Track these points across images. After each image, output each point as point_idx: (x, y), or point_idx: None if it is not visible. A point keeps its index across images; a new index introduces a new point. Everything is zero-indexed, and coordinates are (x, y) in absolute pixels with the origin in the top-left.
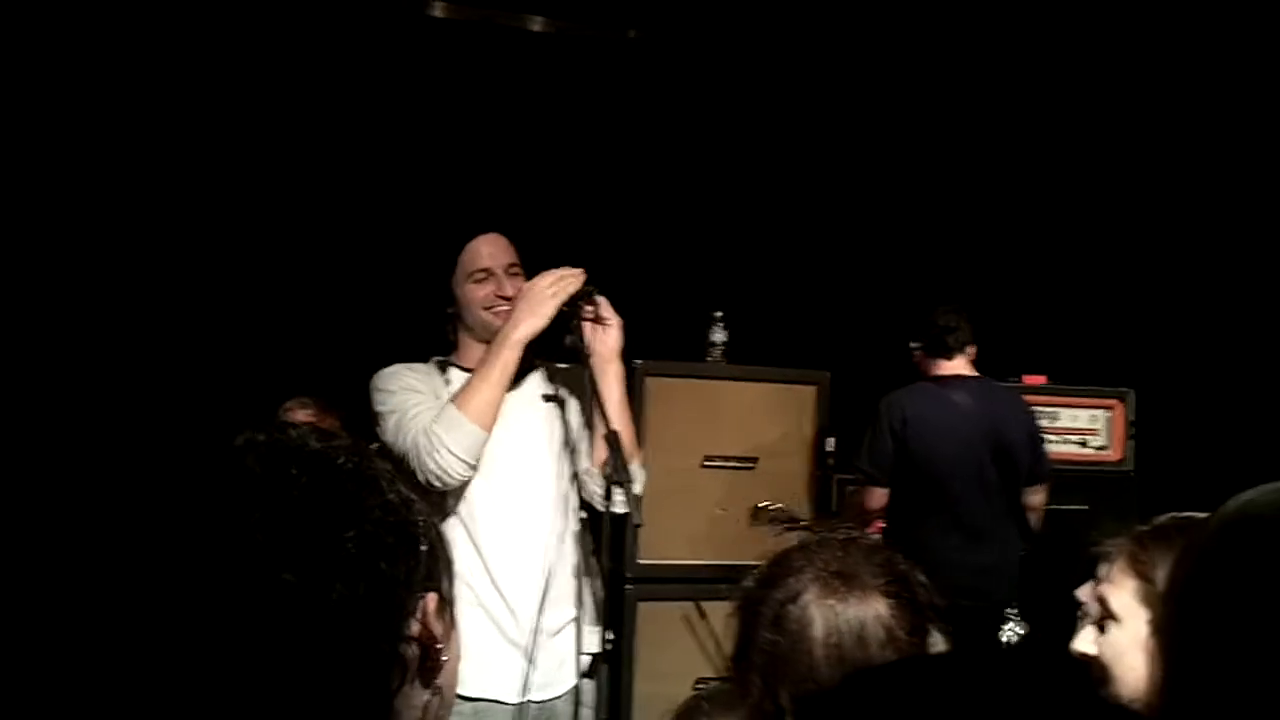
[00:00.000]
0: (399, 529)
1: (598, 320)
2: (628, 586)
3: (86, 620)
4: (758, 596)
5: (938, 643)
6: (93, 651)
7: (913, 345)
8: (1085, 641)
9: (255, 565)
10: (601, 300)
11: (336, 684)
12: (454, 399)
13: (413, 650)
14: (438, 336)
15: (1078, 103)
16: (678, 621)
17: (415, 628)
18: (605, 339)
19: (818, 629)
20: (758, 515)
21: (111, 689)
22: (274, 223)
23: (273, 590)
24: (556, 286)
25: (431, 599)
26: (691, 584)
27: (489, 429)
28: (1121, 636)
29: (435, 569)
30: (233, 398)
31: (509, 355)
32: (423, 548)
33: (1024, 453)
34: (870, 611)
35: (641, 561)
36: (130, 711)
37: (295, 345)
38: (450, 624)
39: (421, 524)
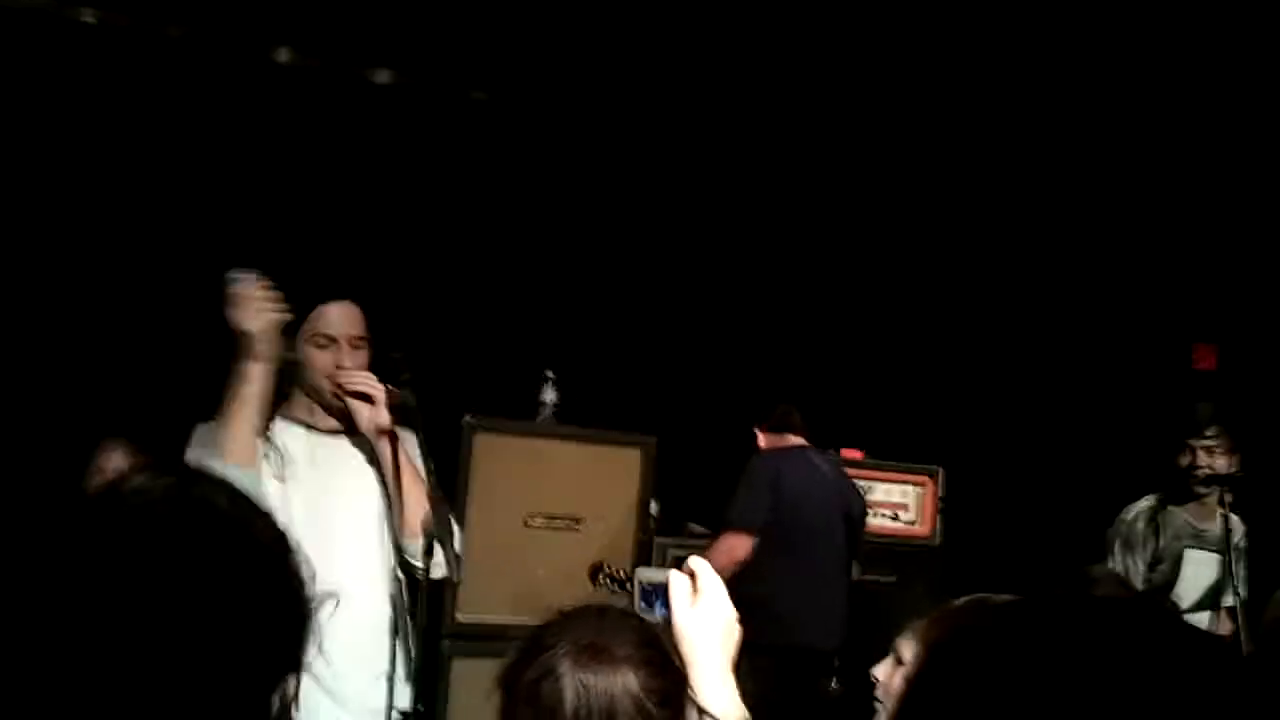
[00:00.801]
0: (292, 609)
1: (368, 399)
2: (445, 642)
3: None
4: (516, 671)
5: (694, 713)
6: None
7: (757, 426)
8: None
9: (139, 628)
10: (359, 377)
11: None
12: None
13: None
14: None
15: (892, 190)
16: (493, 680)
17: (276, 706)
18: (380, 412)
19: (568, 704)
20: (595, 576)
21: None
22: (101, 265)
23: (151, 657)
24: (253, 312)
25: (293, 680)
26: (510, 643)
27: (251, 464)
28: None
29: (305, 645)
30: (48, 438)
31: (249, 390)
32: (306, 625)
33: (859, 521)
34: (619, 683)
35: (460, 619)
36: None
37: (112, 388)
38: (296, 702)
39: (308, 600)
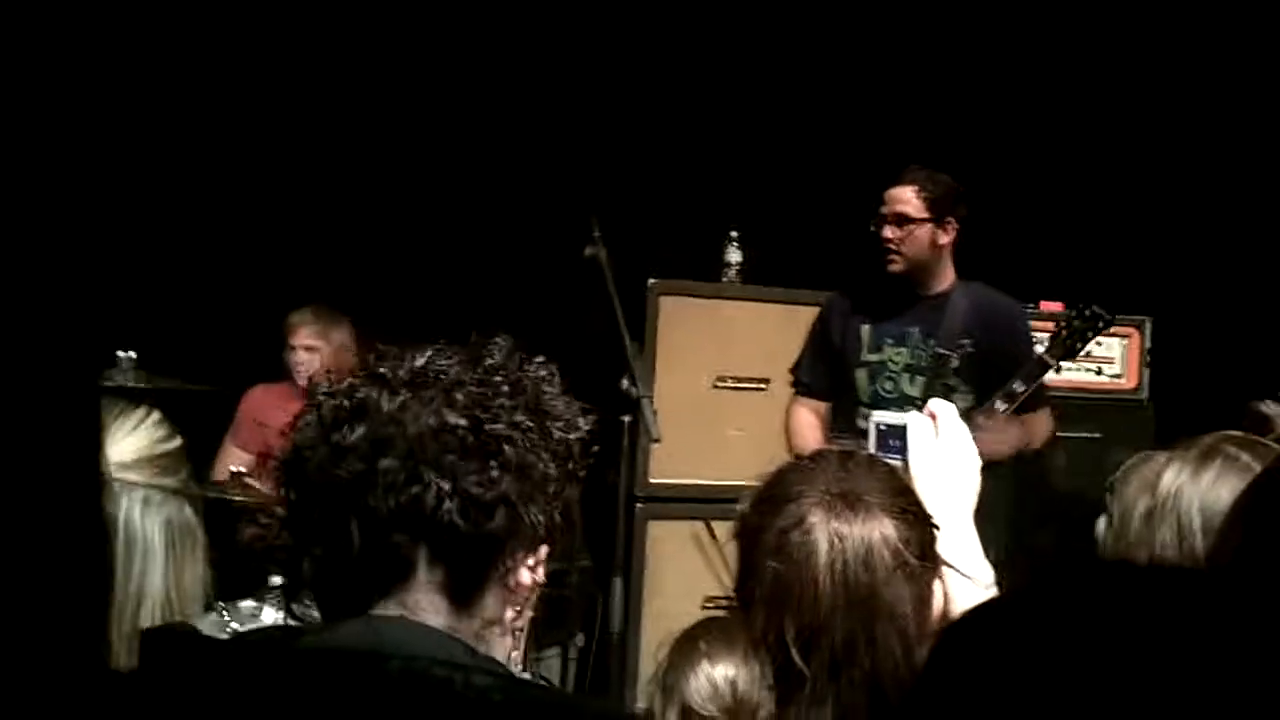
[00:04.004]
0: (574, 463)
1: None
2: (639, 505)
3: None
4: (758, 523)
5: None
6: None
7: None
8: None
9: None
10: None
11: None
12: None
13: (516, 579)
14: None
15: (1096, 18)
16: (688, 540)
17: (523, 571)
18: None
19: (821, 555)
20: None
21: None
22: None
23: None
24: None
25: (543, 552)
26: (702, 504)
27: None
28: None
29: (556, 532)
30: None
31: None
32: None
33: None
34: (876, 533)
35: (653, 480)
36: None
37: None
38: (538, 585)
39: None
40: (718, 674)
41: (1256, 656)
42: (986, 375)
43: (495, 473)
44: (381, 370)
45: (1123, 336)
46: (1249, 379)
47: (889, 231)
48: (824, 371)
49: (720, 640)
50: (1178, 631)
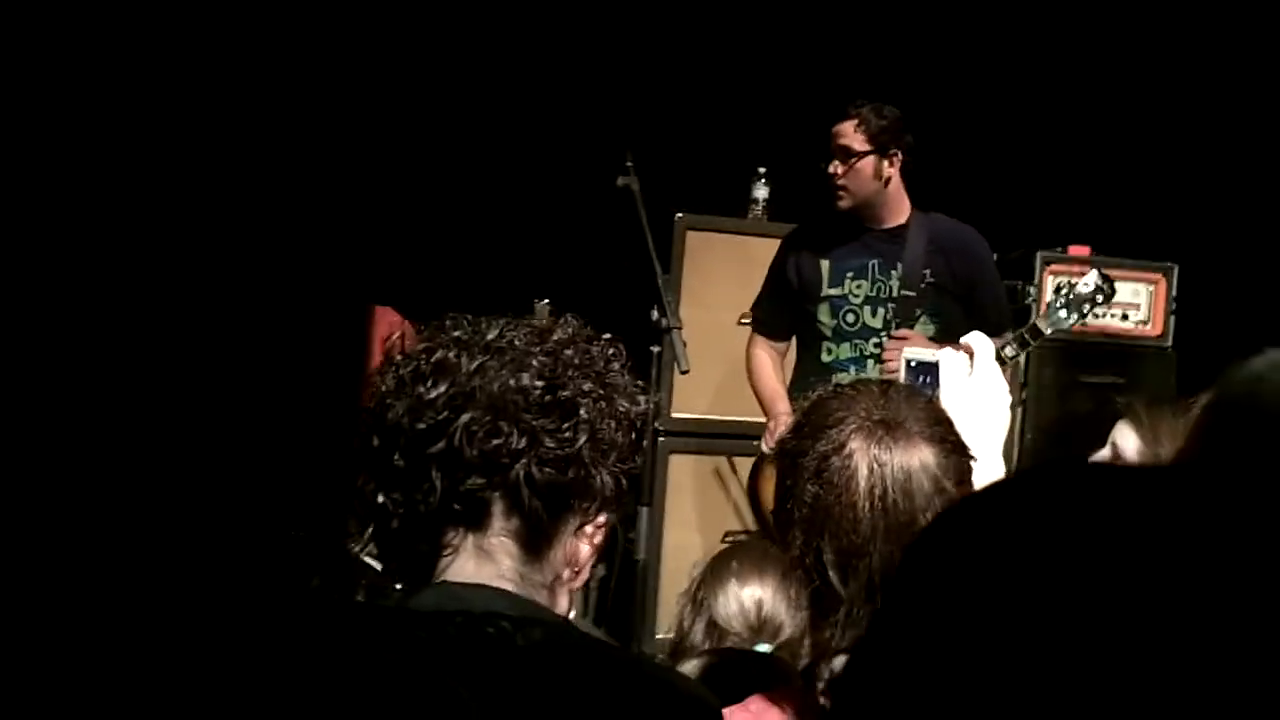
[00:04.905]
0: (637, 435)
1: None
2: (660, 438)
3: None
4: (798, 448)
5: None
6: None
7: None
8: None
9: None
10: None
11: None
12: None
13: (583, 538)
14: None
15: None
16: (708, 474)
17: (589, 529)
18: None
19: (861, 480)
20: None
21: None
22: None
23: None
24: None
25: (606, 523)
26: (723, 439)
27: None
28: None
29: (623, 498)
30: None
31: None
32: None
33: None
34: (916, 460)
35: (675, 414)
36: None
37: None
38: (597, 552)
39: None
40: (746, 594)
41: (1219, 543)
42: (949, 305)
43: (569, 433)
44: (457, 334)
45: (1149, 283)
46: (1272, 330)
47: (834, 167)
48: (781, 309)
49: (752, 562)
50: (1152, 519)
